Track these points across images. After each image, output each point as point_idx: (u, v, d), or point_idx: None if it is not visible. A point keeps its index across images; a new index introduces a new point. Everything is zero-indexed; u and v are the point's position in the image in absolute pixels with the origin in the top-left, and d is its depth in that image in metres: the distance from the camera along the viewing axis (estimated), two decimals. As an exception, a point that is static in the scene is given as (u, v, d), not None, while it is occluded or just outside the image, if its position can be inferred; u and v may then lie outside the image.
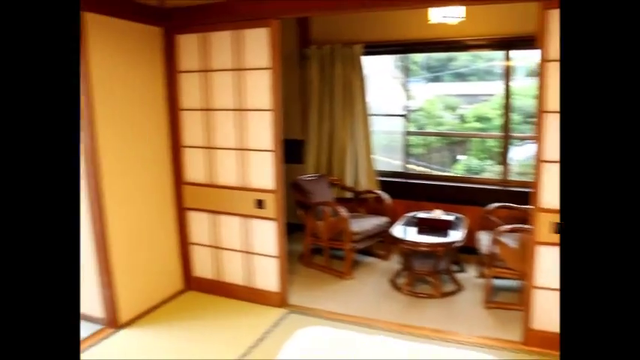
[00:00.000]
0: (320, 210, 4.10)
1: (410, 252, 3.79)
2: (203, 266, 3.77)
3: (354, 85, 4.59)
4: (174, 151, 3.61)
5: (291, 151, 4.95)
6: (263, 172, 3.34)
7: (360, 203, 4.69)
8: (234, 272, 3.65)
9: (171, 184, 3.64)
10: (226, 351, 2.89)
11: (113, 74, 3.04)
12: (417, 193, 4.71)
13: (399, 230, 3.89)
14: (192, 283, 3.83)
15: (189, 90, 3.49)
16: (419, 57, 5.56)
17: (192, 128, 3.54)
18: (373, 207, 4.60)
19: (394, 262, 4.32)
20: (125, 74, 3.14)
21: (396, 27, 4.48)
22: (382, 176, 4.91)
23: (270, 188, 3.34)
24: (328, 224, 4.03)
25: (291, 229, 4.59)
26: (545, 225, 2.69)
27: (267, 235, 3.44)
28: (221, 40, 3.31)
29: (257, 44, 3.19)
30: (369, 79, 4.64)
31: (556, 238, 2.66)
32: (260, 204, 3.38)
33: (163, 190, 3.58)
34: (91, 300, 3.18)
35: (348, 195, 4.80)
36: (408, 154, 5.06)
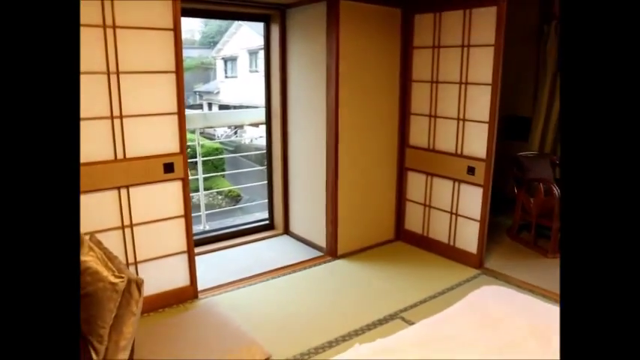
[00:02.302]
0: (534, 186, 4.17)
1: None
2: (413, 221, 4.28)
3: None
4: (403, 117, 4.16)
5: (516, 128, 5.04)
6: (477, 141, 3.64)
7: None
8: (440, 230, 4.06)
9: (396, 145, 4.22)
10: (416, 292, 3.36)
11: (356, 50, 3.70)
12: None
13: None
14: (402, 234, 4.39)
15: (421, 64, 3.97)
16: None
17: (419, 98, 4.03)
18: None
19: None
20: (365, 50, 3.78)
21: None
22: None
23: (481, 157, 3.62)
24: (539, 201, 4.09)
25: (504, 203, 4.74)
26: None
27: (473, 199, 3.74)
28: (452, 19, 3.67)
29: (484, 22, 3.46)
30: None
31: None
32: (471, 170, 3.70)
33: (389, 149, 4.18)
34: (319, 232, 4.04)
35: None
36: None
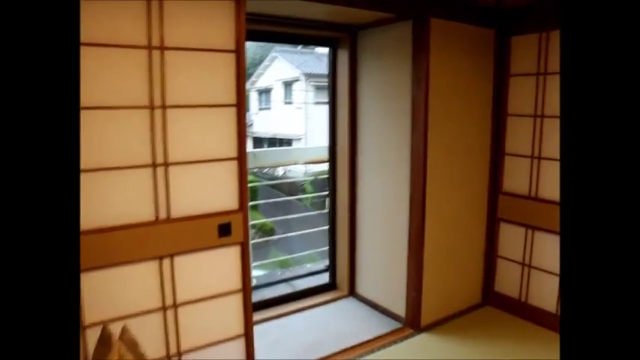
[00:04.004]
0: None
1: None
2: (507, 283, 3.52)
3: None
4: (495, 158, 3.44)
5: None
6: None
7: None
8: (543, 296, 3.28)
9: (487, 191, 3.49)
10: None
11: (445, 78, 3.04)
12: None
13: None
14: (491, 298, 3.61)
15: (520, 94, 3.27)
16: None
17: (518, 135, 3.32)
18: None
19: None
20: (455, 78, 3.11)
21: None
22: None
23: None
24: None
25: None
26: None
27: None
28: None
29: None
30: None
31: None
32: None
33: (478, 196, 3.45)
34: (395, 297, 3.31)
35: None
36: None
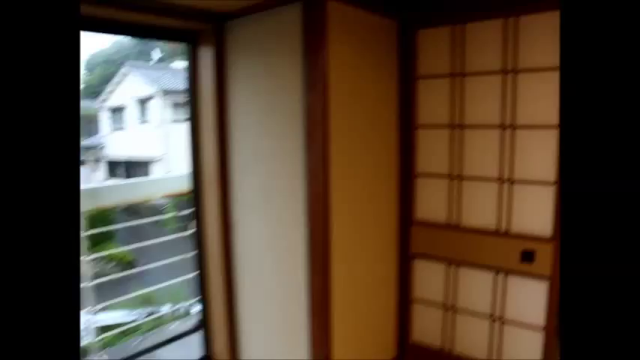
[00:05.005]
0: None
1: None
2: (427, 330, 2.89)
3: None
4: (405, 181, 2.80)
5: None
6: (536, 212, 2.38)
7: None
8: (473, 342, 2.70)
9: (395, 221, 2.83)
10: None
11: (344, 80, 2.31)
12: None
13: None
14: (409, 350, 2.96)
15: (433, 100, 2.66)
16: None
17: (431, 150, 2.71)
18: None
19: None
20: (355, 81, 2.40)
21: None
22: None
23: (544, 235, 2.36)
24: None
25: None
26: None
27: (531, 298, 2.45)
28: (484, 33, 2.44)
29: (541, 35, 2.27)
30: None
31: None
32: (527, 256, 2.41)
33: (387, 229, 2.78)
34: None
35: None
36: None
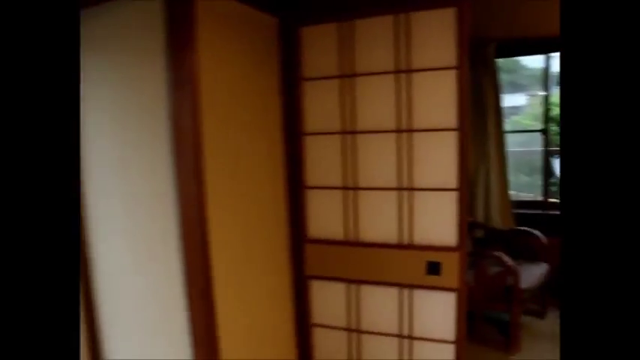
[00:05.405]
0: (477, 263, 3.04)
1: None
2: (331, 356, 2.63)
3: (486, 94, 3.55)
4: (293, 194, 2.49)
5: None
6: (440, 221, 2.24)
7: (496, 244, 3.60)
8: (380, 363, 2.52)
9: (287, 242, 2.52)
10: None
11: (219, 85, 1.93)
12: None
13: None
14: (312, 377, 2.68)
15: (320, 104, 2.39)
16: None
17: (322, 159, 2.43)
18: (519, 249, 3.52)
19: (553, 321, 3.34)
20: (233, 85, 2.03)
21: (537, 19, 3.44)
22: (518, 207, 3.85)
23: (450, 244, 2.24)
24: (486, 280, 2.95)
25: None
26: None
27: (439, 311, 2.32)
28: (375, 30, 2.23)
29: (434, 33, 2.12)
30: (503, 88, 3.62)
31: None
32: (433, 268, 2.27)
33: (275, 249, 2.45)
34: None
35: (479, 234, 3.72)
36: (548, 177, 3.98)
